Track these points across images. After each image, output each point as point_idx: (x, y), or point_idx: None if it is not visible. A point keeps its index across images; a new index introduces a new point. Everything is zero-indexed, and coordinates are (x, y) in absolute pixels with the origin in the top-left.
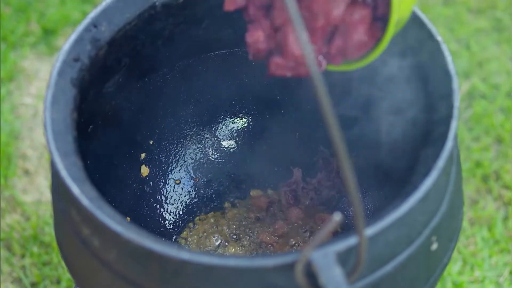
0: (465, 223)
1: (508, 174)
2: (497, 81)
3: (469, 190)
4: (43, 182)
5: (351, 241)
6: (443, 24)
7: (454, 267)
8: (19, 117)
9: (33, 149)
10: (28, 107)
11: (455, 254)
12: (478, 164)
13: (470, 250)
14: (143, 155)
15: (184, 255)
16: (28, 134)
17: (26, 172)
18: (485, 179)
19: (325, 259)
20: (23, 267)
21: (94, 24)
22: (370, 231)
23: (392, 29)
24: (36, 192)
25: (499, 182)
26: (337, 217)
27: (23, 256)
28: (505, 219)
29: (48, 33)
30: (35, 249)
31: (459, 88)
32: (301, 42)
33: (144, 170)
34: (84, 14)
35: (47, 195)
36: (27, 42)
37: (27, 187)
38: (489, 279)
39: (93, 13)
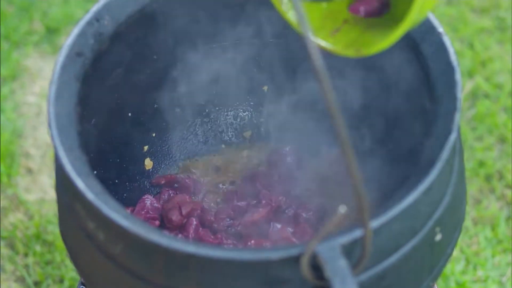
0: (468, 223)
1: (511, 174)
2: (500, 81)
3: (472, 189)
4: (46, 181)
5: (356, 233)
6: (446, 24)
7: (457, 267)
8: (22, 116)
9: (36, 148)
10: (31, 106)
11: (458, 253)
12: (481, 164)
13: (473, 249)
14: (146, 147)
15: (190, 248)
16: (31, 133)
17: (29, 171)
18: (488, 178)
19: (331, 251)
20: (26, 266)
21: (97, 18)
22: (375, 223)
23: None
24: (39, 191)
25: (502, 182)
26: (342, 209)
27: (26, 255)
28: (508, 218)
29: (51, 31)
30: (38, 248)
31: (463, 87)
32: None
33: (148, 163)
34: None
35: (50, 194)
36: (30, 40)
37: (30, 186)
38: (492, 278)
39: (95, 7)
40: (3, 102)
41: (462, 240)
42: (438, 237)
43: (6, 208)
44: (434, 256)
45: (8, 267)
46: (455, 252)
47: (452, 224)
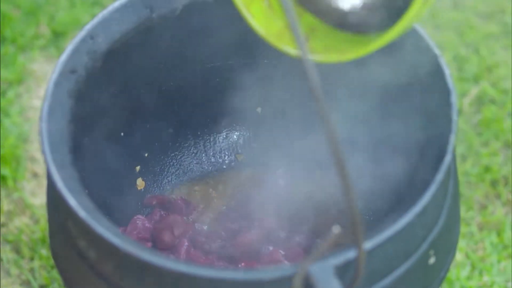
0: (473, 228)
1: None
2: (507, 86)
3: (478, 195)
4: None
5: (349, 254)
6: (452, 29)
7: (462, 272)
8: (28, 120)
9: (41, 152)
10: (37, 110)
11: (463, 258)
12: (487, 169)
13: (478, 255)
14: (138, 167)
15: (181, 267)
16: (37, 137)
17: (35, 175)
18: (494, 184)
19: (323, 272)
20: (31, 270)
21: (91, 35)
22: (368, 244)
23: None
24: (45, 195)
25: (508, 187)
26: (336, 230)
27: (31, 258)
28: None
29: (58, 36)
30: (43, 251)
31: (468, 93)
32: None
33: (140, 183)
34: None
35: None
36: (37, 44)
37: (35, 190)
38: (497, 284)
39: (89, 25)
40: (9, 106)
41: (467, 246)
42: (432, 260)
43: (12, 212)
44: (427, 279)
45: (14, 271)
46: (461, 258)
47: (446, 247)
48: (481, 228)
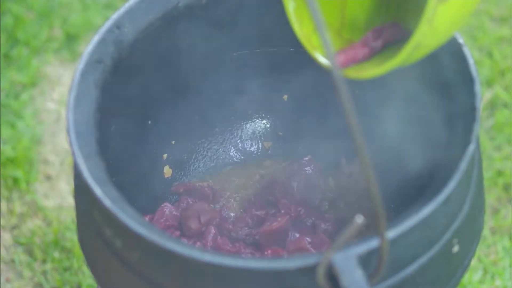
0: (486, 232)
1: None
2: None
3: (490, 199)
4: (65, 187)
5: (372, 243)
6: (465, 33)
7: (475, 276)
8: (42, 122)
9: (55, 154)
10: (51, 113)
11: (475, 262)
12: (499, 173)
13: (491, 259)
14: (165, 155)
15: (207, 256)
16: (50, 139)
17: (48, 177)
18: (506, 188)
19: (347, 261)
20: (44, 272)
21: (117, 25)
22: (391, 233)
23: (408, 50)
24: (57, 197)
25: None
26: (359, 219)
27: (44, 261)
28: None
29: (71, 38)
30: (56, 254)
31: (481, 97)
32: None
33: (167, 171)
34: None
35: (69, 200)
36: (50, 47)
37: (48, 192)
38: None
39: (115, 15)
40: (22, 109)
41: (480, 250)
42: (456, 248)
43: (24, 215)
44: (451, 268)
45: (26, 273)
46: (473, 262)
47: (470, 235)
48: (493, 232)
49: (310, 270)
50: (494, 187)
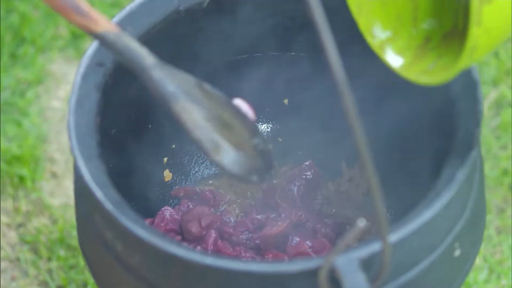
0: (491, 232)
1: None
2: None
3: (496, 198)
4: (71, 186)
5: (375, 247)
6: None
7: (480, 276)
8: (47, 121)
9: (60, 153)
10: (56, 111)
11: (481, 262)
12: (505, 173)
13: (496, 258)
14: (165, 159)
15: (208, 260)
16: (55, 138)
17: (54, 175)
18: None
19: (349, 265)
20: (49, 271)
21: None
22: (394, 237)
23: (466, 56)
24: (63, 196)
25: None
26: (361, 223)
27: (49, 259)
28: None
29: (77, 37)
30: (61, 252)
31: (487, 96)
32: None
33: (167, 175)
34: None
35: None
36: (56, 45)
37: (54, 190)
38: None
39: (117, 18)
40: (28, 107)
41: (485, 249)
42: (457, 252)
43: (30, 213)
44: (453, 272)
45: (32, 271)
46: (479, 261)
47: (471, 239)
48: (499, 231)
49: (312, 274)
50: (499, 187)
